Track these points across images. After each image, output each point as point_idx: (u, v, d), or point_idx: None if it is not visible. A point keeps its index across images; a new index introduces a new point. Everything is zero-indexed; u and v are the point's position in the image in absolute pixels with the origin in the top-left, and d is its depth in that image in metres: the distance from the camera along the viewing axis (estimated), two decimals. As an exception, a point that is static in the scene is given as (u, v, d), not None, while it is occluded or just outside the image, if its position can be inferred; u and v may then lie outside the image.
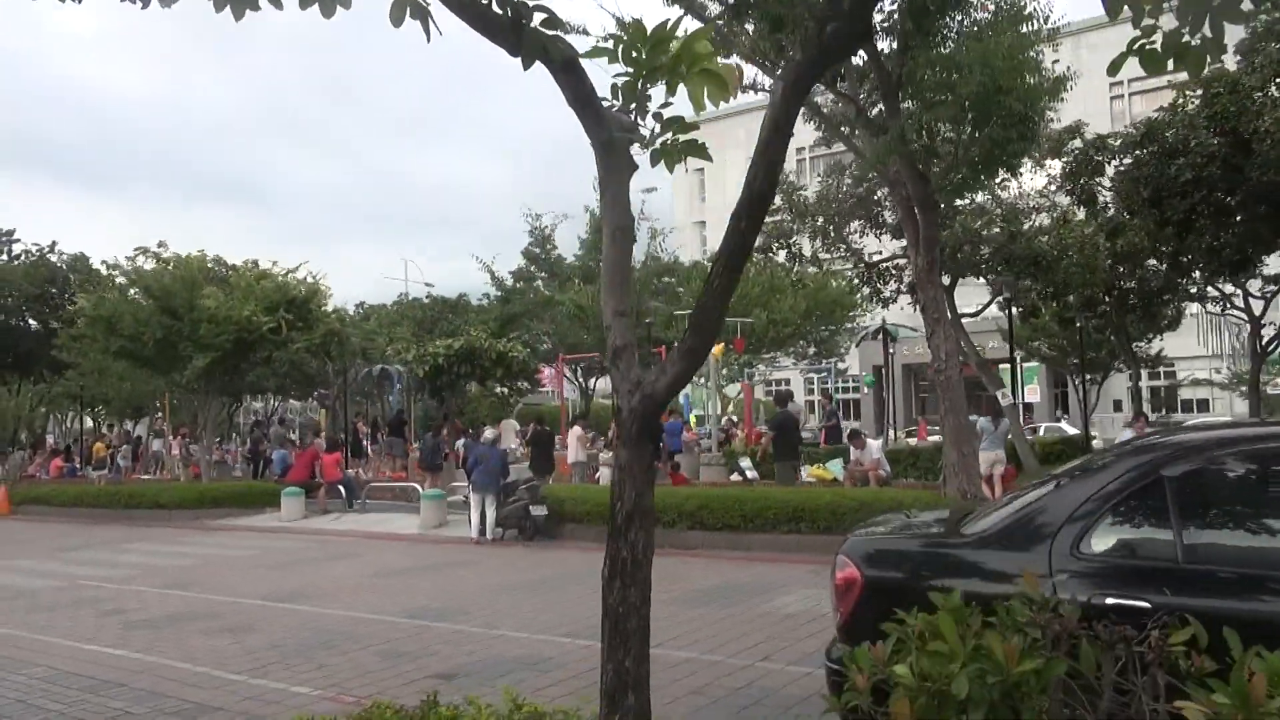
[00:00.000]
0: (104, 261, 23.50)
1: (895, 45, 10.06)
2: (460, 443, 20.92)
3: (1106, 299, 22.06)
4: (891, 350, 30.60)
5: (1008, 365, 44.25)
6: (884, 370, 32.55)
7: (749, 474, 16.63)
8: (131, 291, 21.42)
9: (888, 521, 4.87)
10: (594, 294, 13.95)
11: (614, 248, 3.79)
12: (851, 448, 15.13)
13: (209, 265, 21.37)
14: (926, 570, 3.97)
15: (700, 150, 3.99)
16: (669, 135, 3.88)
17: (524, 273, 20.30)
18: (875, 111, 10.82)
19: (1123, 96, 45.42)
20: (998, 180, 12.39)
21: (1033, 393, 43.54)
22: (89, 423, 42.55)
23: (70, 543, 15.96)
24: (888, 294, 19.50)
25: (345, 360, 23.45)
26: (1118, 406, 46.74)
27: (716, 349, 22.28)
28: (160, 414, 27.41)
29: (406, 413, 25.45)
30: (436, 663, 6.94)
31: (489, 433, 15.23)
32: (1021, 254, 16.49)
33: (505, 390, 40.83)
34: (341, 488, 18.43)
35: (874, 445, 15.01)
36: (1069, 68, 10.61)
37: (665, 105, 3.90)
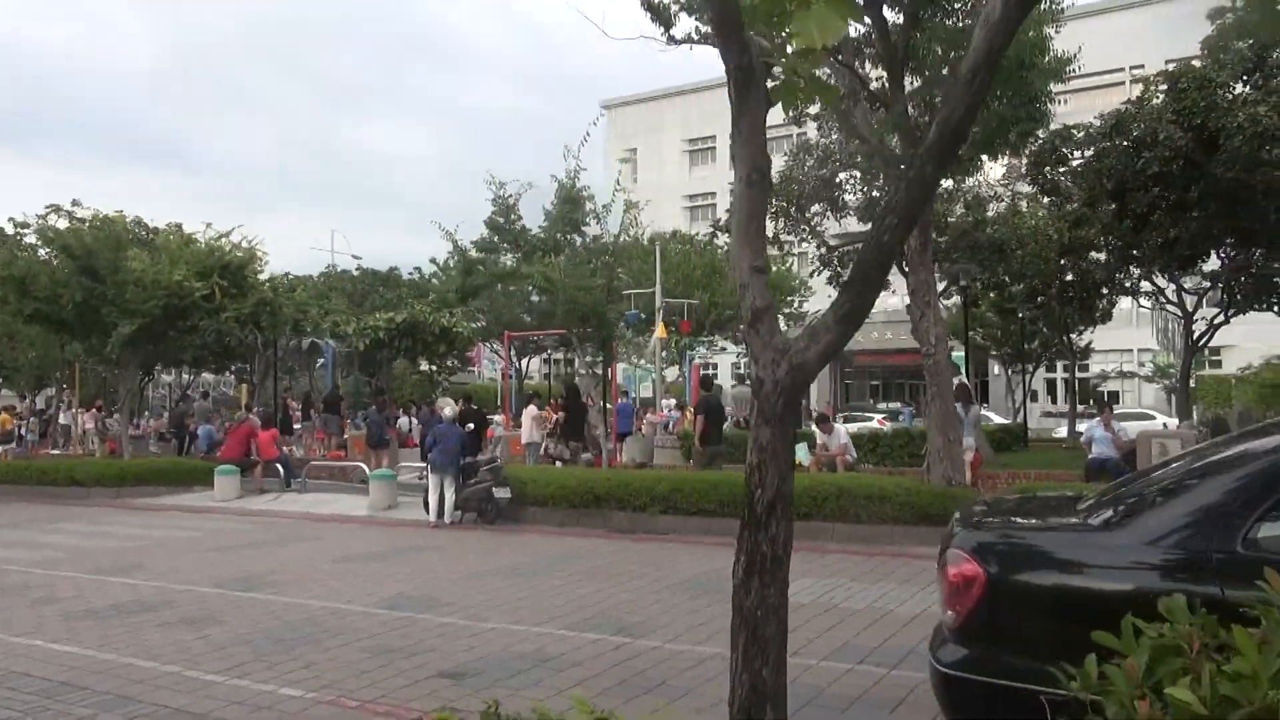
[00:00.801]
0: (10, 219, 21.77)
1: (903, 18, 9.69)
2: (404, 420, 20.07)
3: (1050, 289, 22.39)
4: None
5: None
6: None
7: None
8: (41, 251, 19.89)
9: (995, 510, 4.47)
10: (563, 266, 13.40)
11: (749, 192, 3.28)
12: (818, 432, 14.87)
13: (129, 227, 19.94)
14: (1074, 567, 3.58)
15: (829, 92, 3.49)
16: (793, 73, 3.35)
17: (486, 243, 19.46)
18: (875, 85, 10.44)
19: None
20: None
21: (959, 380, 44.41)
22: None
23: (-21, 522, 14.68)
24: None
25: (276, 332, 22.27)
26: (1034, 397, 47.72)
27: (660, 330, 21.87)
28: (67, 386, 25.68)
29: (339, 388, 24.34)
30: (437, 659, 6.33)
31: (447, 410, 14.49)
32: (984, 242, 16.47)
33: (434, 368, 39.83)
34: (279, 466, 17.43)
35: (841, 430, 14.78)
36: (1067, 51, 10.43)
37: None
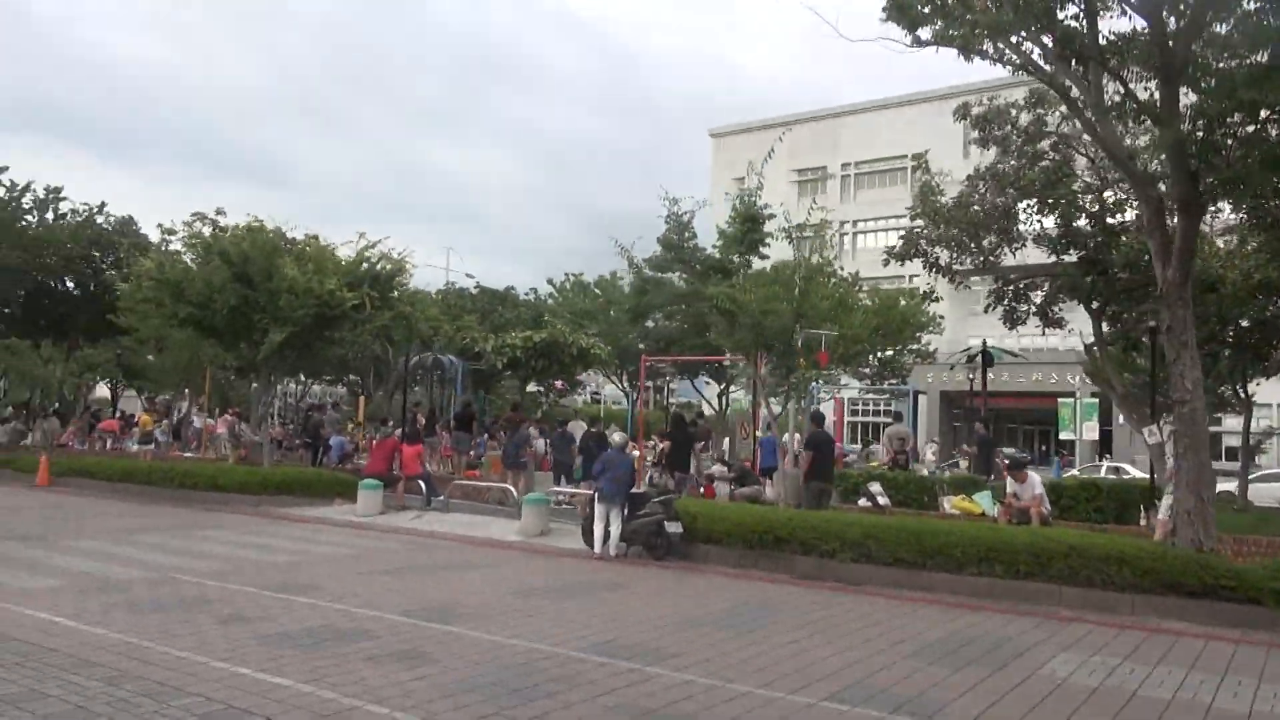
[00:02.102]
0: (159, 225, 22.07)
1: (1182, 23, 8.61)
2: (539, 441, 19.44)
3: (1231, 333, 20.47)
4: (972, 376, 29.05)
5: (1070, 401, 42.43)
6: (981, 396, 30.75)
7: (880, 499, 15.10)
8: (186, 257, 19.95)
9: None
10: (748, 287, 12.52)
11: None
12: (1009, 479, 13.61)
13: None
14: None
15: None
16: None
17: (660, 261, 18.80)
18: (1146, 97, 9.36)
19: None
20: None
21: (1091, 430, 41.85)
22: (107, 392, 41.04)
23: (130, 524, 14.47)
24: (1021, 313, 18.00)
25: (411, 345, 21.95)
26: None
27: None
28: (200, 391, 25.92)
29: (471, 405, 23.92)
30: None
31: (617, 436, 13.68)
32: (1198, 277, 15.02)
33: (541, 389, 39.44)
34: (421, 483, 16.93)
35: (1036, 479, 13.48)
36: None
37: None
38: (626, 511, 12.69)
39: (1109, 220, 15.90)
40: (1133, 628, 8.94)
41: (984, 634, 8.45)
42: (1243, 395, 24.75)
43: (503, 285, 42.51)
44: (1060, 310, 18.14)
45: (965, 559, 10.60)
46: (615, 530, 12.56)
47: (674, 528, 12.30)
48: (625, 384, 36.10)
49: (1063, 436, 44.56)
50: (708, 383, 34.33)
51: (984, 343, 23.87)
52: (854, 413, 53.10)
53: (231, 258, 17.60)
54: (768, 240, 16.03)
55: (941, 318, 30.04)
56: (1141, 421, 16.68)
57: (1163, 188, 10.73)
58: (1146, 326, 17.95)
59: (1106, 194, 15.88)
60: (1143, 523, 14.09)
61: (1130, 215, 15.86)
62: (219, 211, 21.45)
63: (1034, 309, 18.45)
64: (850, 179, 71.82)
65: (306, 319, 17.30)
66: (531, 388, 47.27)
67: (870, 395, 41.62)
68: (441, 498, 17.03)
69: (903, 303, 28.70)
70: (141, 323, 20.69)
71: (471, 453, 22.44)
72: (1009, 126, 16.06)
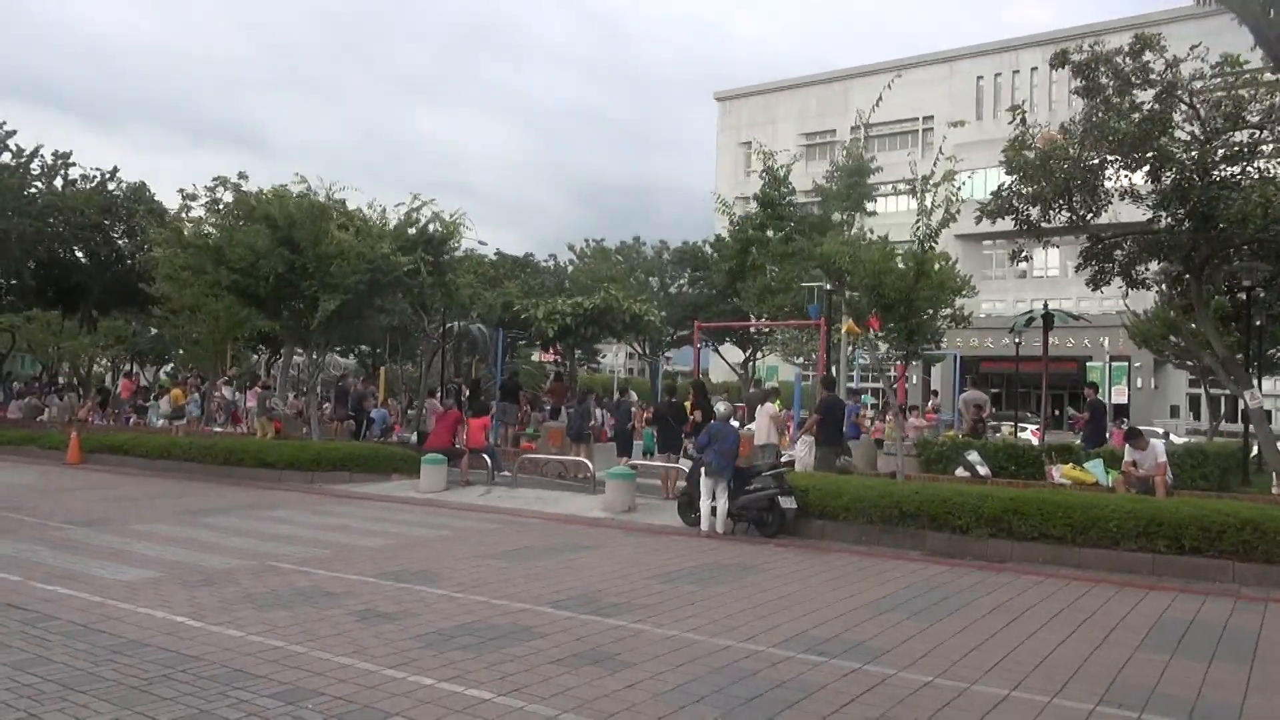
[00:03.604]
0: (180, 190, 21.00)
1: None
2: (599, 412, 18.60)
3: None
4: (1019, 339, 28.24)
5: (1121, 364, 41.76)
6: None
7: (981, 469, 14.33)
8: (207, 227, 18.85)
9: None
10: (863, 245, 11.65)
11: None
12: (1128, 447, 12.86)
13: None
14: None
15: None
16: None
17: (757, 219, 17.75)
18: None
19: None
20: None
21: (1120, 394, 41.34)
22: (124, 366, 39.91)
23: (190, 504, 13.59)
24: (1107, 271, 17.17)
25: (455, 312, 20.98)
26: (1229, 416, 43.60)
27: (848, 324, 19.97)
28: (232, 364, 24.96)
29: (517, 375, 22.98)
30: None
31: (723, 406, 12.83)
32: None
33: (558, 359, 38.56)
34: (486, 457, 16.08)
35: (1159, 446, 12.74)
36: None
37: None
38: (732, 485, 11.89)
39: (1214, 175, 15.03)
40: (1339, 608, 8.23)
41: (1194, 618, 7.71)
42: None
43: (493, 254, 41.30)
44: (1146, 270, 17.34)
45: (1122, 533, 9.86)
46: (722, 506, 11.77)
47: (788, 503, 11.51)
48: (647, 350, 35.28)
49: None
50: (715, 349, 33.14)
51: (1045, 304, 23.03)
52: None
53: (277, 221, 16.58)
54: (873, 195, 15.18)
55: (972, 281, 29.17)
56: (1242, 384, 15.95)
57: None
58: (1244, 286, 17.22)
59: (1228, 140, 14.98)
60: (1275, 490, 13.39)
61: (1238, 169, 14.98)
62: (241, 175, 20.36)
63: (1118, 269, 17.64)
64: (860, 143, 70.54)
65: (361, 286, 16.33)
66: (535, 357, 46.16)
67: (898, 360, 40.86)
68: (506, 472, 16.21)
69: (936, 266, 27.82)
70: (182, 291, 19.64)
71: (516, 425, 21.57)
72: (1110, 73, 15.11)
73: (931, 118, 67.47)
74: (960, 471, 14.59)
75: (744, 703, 5.31)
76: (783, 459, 14.95)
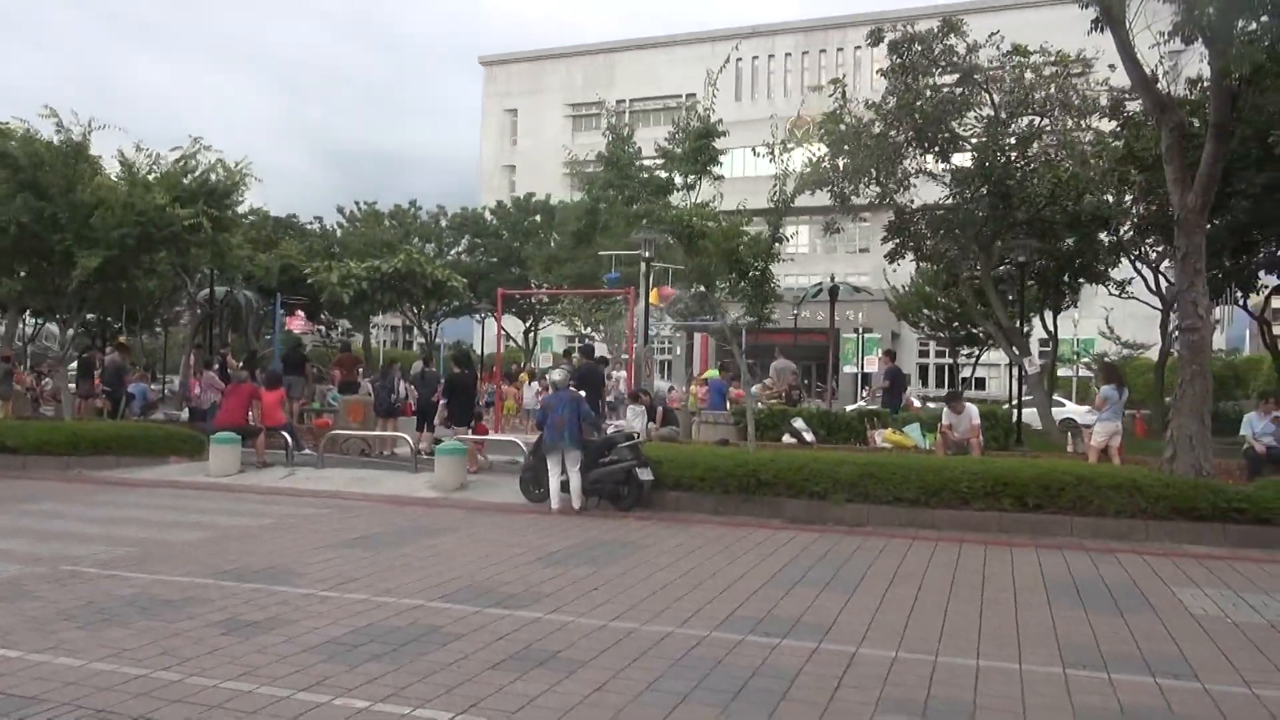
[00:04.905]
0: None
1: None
2: (401, 385, 17.27)
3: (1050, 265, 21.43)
4: (792, 312, 29.49)
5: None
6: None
7: (806, 435, 14.65)
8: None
9: None
10: (693, 207, 11.26)
11: None
12: (945, 410, 13.55)
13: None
14: None
15: None
16: None
17: (604, 178, 16.64)
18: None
19: None
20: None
21: (872, 364, 44.51)
22: None
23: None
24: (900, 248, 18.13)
25: (229, 275, 18.66)
26: (951, 383, 47.67)
27: (654, 296, 20.01)
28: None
29: (302, 346, 20.90)
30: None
31: (557, 374, 12.12)
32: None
33: (321, 329, 36.14)
34: (286, 435, 14.47)
35: (973, 409, 13.51)
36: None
37: None
38: (583, 459, 11.30)
39: (1011, 156, 16.21)
40: (1161, 554, 9.00)
41: (1070, 573, 8.09)
42: (1051, 329, 26.80)
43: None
44: (939, 246, 18.45)
45: (972, 493, 10.30)
46: (575, 480, 11.16)
47: (645, 475, 11.11)
48: (430, 320, 33.73)
49: (846, 370, 47.16)
50: (481, 320, 32.12)
51: (832, 277, 24.18)
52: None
53: (18, 161, 13.92)
54: (719, 159, 14.88)
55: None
56: (1022, 352, 17.39)
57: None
58: (1016, 261, 18.74)
59: (1018, 125, 16.12)
60: (1070, 449, 14.62)
61: (1035, 149, 16.15)
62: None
63: (911, 244, 18.69)
64: (625, 116, 71.33)
65: (130, 241, 14.05)
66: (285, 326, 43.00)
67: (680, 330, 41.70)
68: (309, 451, 14.70)
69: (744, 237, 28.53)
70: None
71: (302, 399, 19.69)
72: (918, 51, 15.80)
73: (694, 94, 69.47)
74: (786, 438, 14.87)
75: (733, 697, 4.81)
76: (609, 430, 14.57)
